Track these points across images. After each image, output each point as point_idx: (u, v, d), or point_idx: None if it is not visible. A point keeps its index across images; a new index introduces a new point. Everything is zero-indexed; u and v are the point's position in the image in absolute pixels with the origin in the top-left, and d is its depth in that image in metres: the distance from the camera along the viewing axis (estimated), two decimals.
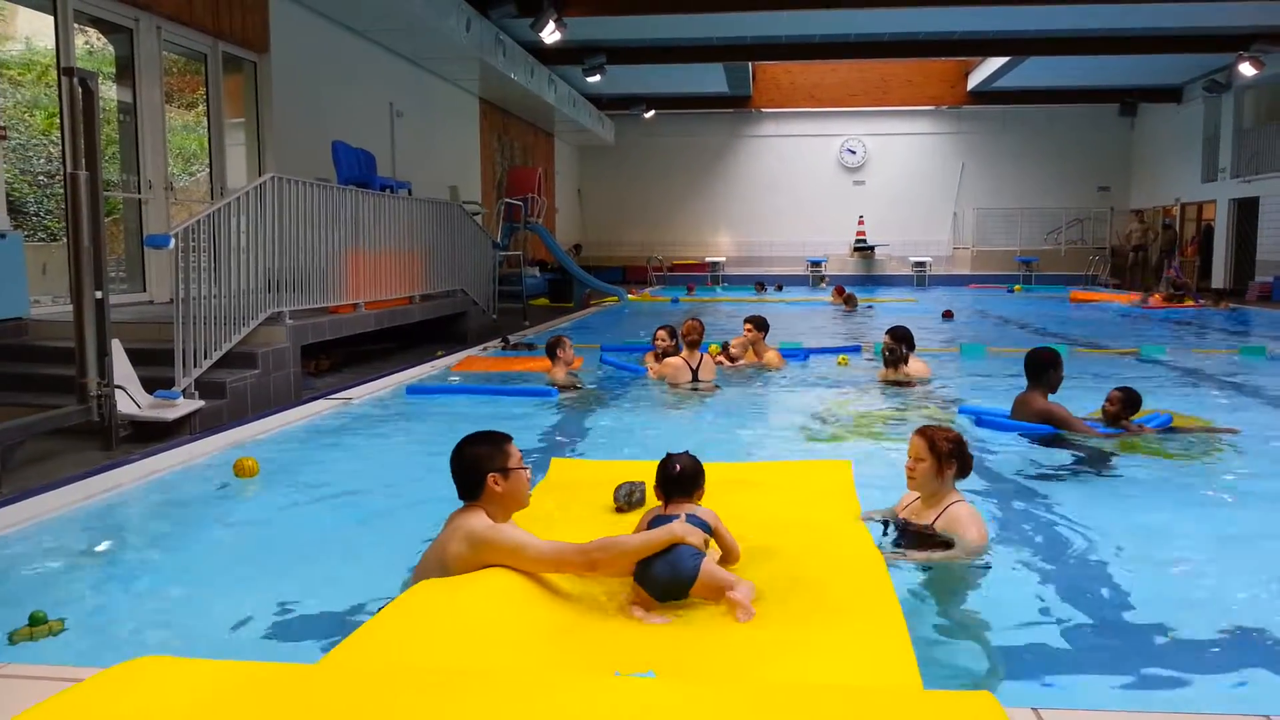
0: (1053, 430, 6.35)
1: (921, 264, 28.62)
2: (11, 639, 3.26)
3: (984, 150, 29.55)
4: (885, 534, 4.38)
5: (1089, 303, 20.86)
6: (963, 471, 4.27)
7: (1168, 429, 6.50)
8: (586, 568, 3.45)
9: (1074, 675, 3.11)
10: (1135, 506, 5.02)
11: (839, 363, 10.13)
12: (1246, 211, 22.46)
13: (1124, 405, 6.39)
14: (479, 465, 3.53)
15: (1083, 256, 28.88)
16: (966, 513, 4.17)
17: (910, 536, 4.25)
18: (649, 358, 9.36)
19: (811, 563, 3.79)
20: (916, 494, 4.36)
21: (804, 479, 5.21)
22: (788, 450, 6.36)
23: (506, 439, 3.66)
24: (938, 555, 4.05)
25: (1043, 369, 6.58)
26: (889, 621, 3.16)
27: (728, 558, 3.72)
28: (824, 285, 26.37)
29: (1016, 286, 26.30)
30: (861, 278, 28.73)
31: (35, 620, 3.31)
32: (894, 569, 3.80)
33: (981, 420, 6.81)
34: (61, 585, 3.89)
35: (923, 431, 4.28)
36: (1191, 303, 19.22)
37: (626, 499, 4.53)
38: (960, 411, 7.17)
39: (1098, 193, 29.32)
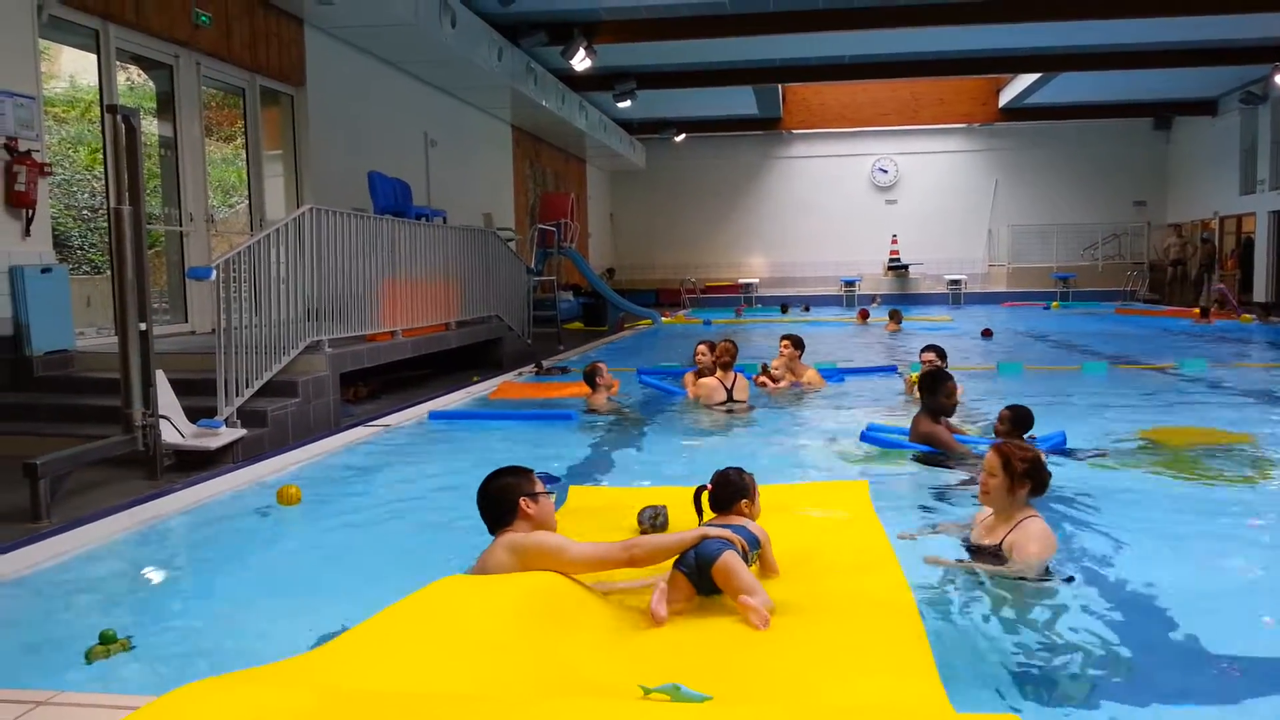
0: (935, 450, 6.47)
1: (956, 282, 28.45)
2: (88, 657, 3.39)
3: (1017, 167, 29.38)
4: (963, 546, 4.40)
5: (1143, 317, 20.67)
6: (1037, 490, 4.23)
7: (1062, 450, 6.47)
8: (628, 563, 3.64)
9: (1105, 700, 3.06)
10: (1186, 529, 4.94)
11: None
12: None
13: (1014, 424, 6.30)
14: (510, 493, 3.76)
15: (1120, 272, 28.58)
16: (1037, 529, 4.12)
17: (978, 558, 4.23)
18: (689, 378, 9.36)
19: (835, 582, 3.82)
20: (988, 512, 4.35)
21: (822, 500, 5.24)
22: (826, 470, 6.35)
23: (528, 470, 3.89)
24: (985, 567, 4.06)
25: (922, 391, 6.80)
26: (913, 642, 3.17)
27: (765, 573, 3.91)
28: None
29: (1054, 303, 26.06)
30: (897, 297, 28.59)
31: (106, 639, 3.45)
32: (944, 585, 3.79)
33: (865, 436, 6.96)
34: (111, 612, 3.95)
35: (998, 448, 4.28)
36: (1240, 316, 19.00)
37: (651, 522, 4.60)
38: (868, 429, 7.19)
39: (1134, 207, 29.03)
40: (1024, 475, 4.15)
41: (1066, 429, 6.83)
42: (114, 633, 3.49)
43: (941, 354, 8.90)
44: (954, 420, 6.99)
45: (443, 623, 3.13)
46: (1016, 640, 3.46)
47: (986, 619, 3.68)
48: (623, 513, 4.78)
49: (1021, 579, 3.97)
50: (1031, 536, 4.08)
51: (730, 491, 4.06)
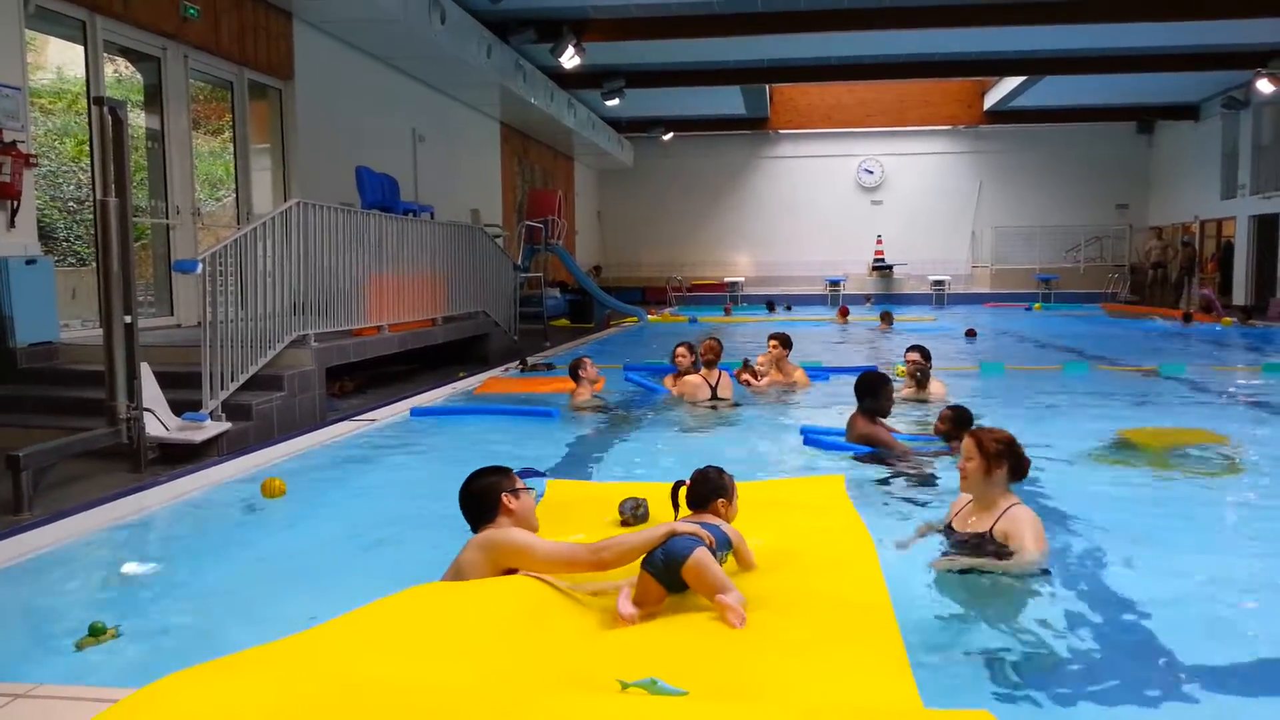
0: (874, 450, 6.51)
1: (940, 283, 28.61)
2: (78, 646, 3.44)
3: (1001, 169, 29.54)
4: (941, 541, 4.43)
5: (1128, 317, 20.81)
6: (1016, 473, 4.28)
7: None
8: (595, 566, 3.58)
9: (1079, 696, 3.10)
10: (1163, 528, 5.00)
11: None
12: (1267, 228, 22.31)
13: (954, 424, 6.41)
14: (492, 490, 3.78)
15: (1102, 274, 28.79)
16: (1027, 517, 4.17)
17: (964, 546, 4.26)
18: (670, 380, 9.38)
19: (811, 577, 3.82)
20: (969, 498, 4.38)
21: (799, 495, 5.24)
22: (809, 469, 6.40)
23: (508, 469, 3.92)
24: (994, 563, 4.07)
25: (861, 393, 6.81)
26: (886, 639, 3.18)
27: (742, 568, 3.88)
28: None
29: (1037, 305, 26.23)
30: (881, 297, 28.74)
31: (95, 630, 3.50)
32: (922, 581, 3.83)
33: (809, 439, 6.96)
34: (93, 604, 3.97)
35: (973, 432, 4.35)
36: (1222, 319, 19.22)
37: (632, 513, 4.61)
38: (801, 431, 7.24)
39: (1116, 210, 29.24)
40: (999, 456, 4.20)
41: (1047, 428, 6.90)
42: (103, 624, 3.52)
43: (925, 354, 8.97)
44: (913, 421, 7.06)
45: (414, 624, 3.12)
46: (991, 637, 3.51)
47: (961, 616, 3.73)
48: (602, 507, 4.77)
49: (1008, 572, 4.03)
50: (1024, 525, 4.11)
51: (708, 489, 4.02)
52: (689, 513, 4.03)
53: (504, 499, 3.76)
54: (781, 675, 3.00)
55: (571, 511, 4.90)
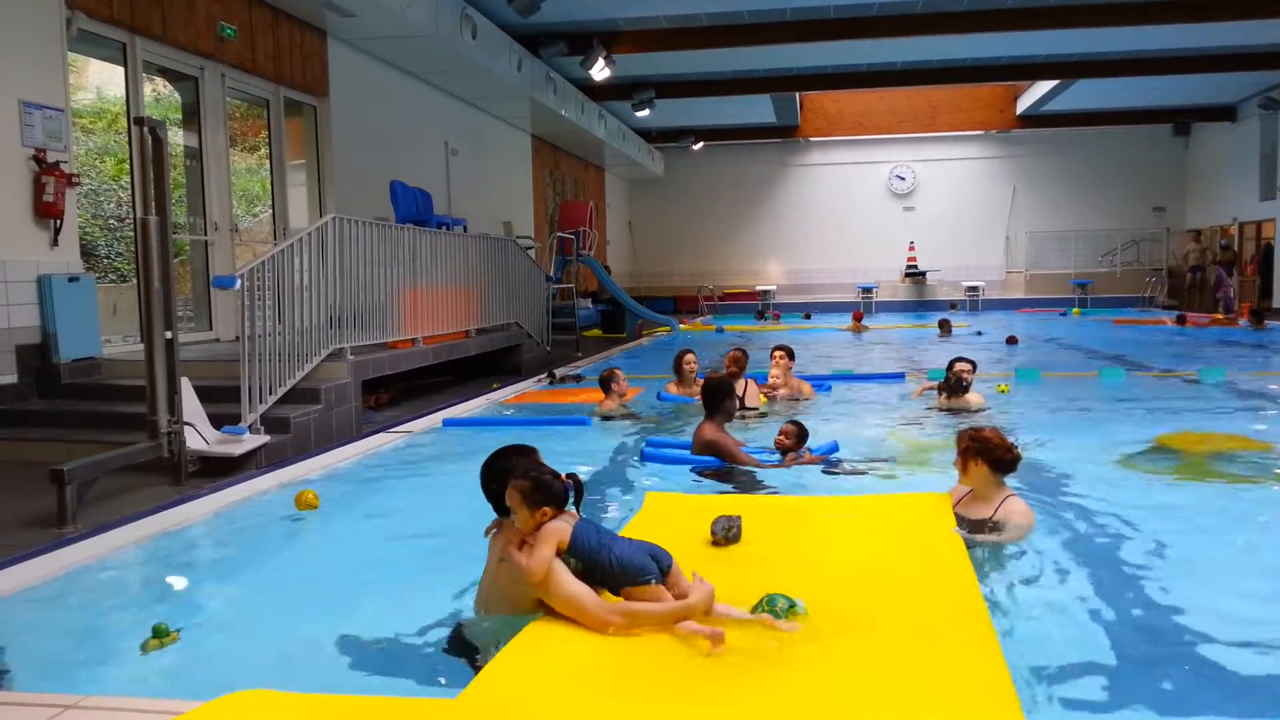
0: (719, 462, 6.38)
1: (974, 288, 28.40)
2: (144, 649, 3.53)
3: (1035, 173, 29.32)
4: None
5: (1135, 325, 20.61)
6: (1001, 467, 4.69)
7: (828, 457, 6.64)
8: (600, 628, 3.39)
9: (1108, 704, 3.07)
10: (1203, 535, 4.93)
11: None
12: None
13: (797, 438, 6.57)
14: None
15: (1139, 278, 28.47)
16: (1021, 508, 4.66)
17: (965, 528, 4.64)
18: (670, 387, 9.56)
19: (908, 601, 3.72)
20: (967, 489, 4.83)
21: (901, 513, 5.01)
22: (842, 480, 6.37)
23: (533, 451, 3.75)
24: (987, 537, 4.55)
25: (709, 398, 6.66)
26: (990, 666, 3.08)
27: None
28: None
29: (1075, 310, 25.97)
30: (915, 303, 28.59)
31: (159, 632, 3.58)
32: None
33: (647, 455, 6.77)
34: (136, 616, 4.00)
35: (962, 433, 4.84)
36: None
37: (724, 533, 4.44)
38: (647, 443, 7.13)
39: (1153, 214, 28.93)
40: (975, 453, 4.63)
41: (1083, 434, 6.82)
42: (166, 626, 3.60)
43: (972, 364, 8.93)
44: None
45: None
46: (1024, 646, 3.49)
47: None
48: (699, 520, 4.62)
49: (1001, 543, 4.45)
50: (1019, 517, 4.63)
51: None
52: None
53: None
54: (879, 702, 2.94)
55: (669, 527, 4.72)
